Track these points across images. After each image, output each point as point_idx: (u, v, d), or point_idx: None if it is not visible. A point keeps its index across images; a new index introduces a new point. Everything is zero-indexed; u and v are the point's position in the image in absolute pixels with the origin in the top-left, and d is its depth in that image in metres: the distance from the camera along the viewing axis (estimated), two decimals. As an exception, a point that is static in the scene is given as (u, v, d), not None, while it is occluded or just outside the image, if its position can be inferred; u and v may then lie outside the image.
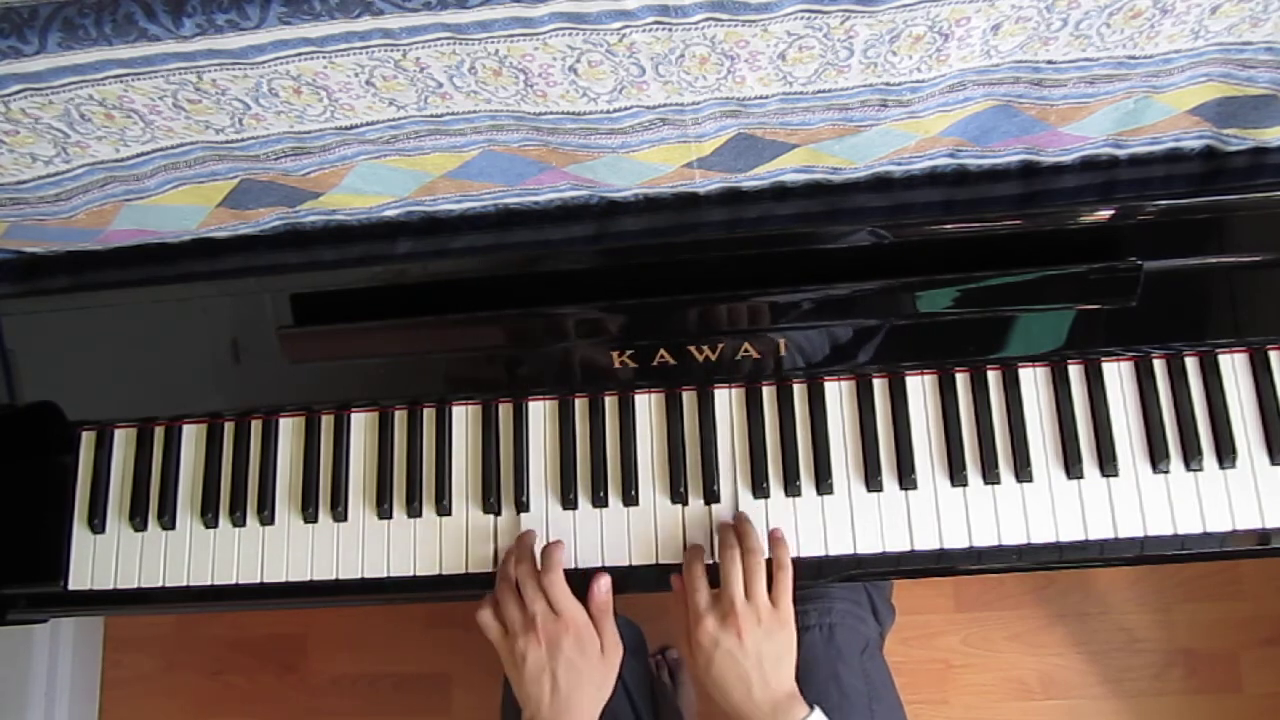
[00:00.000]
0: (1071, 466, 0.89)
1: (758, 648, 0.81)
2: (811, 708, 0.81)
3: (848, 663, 0.99)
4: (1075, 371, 0.92)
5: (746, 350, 0.89)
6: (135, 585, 0.96)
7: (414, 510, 0.94)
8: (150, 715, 1.70)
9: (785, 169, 0.85)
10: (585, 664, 0.82)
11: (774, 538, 0.88)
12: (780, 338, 0.89)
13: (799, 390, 0.93)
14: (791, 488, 0.91)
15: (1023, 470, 0.89)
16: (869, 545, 0.90)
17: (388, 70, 0.66)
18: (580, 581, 0.87)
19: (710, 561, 0.89)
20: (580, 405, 0.95)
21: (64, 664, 1.61)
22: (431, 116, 0.73)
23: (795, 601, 0.86)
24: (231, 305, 0.94)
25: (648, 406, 0.95)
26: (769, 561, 0.86)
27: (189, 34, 0.60)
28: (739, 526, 0.88)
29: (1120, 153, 0.86)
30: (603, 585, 0.87)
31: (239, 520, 0.96)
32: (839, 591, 1.06)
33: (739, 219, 0.88)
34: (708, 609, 0.83)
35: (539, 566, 0.86)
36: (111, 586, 0.96)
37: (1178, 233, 0.86)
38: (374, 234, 0.92)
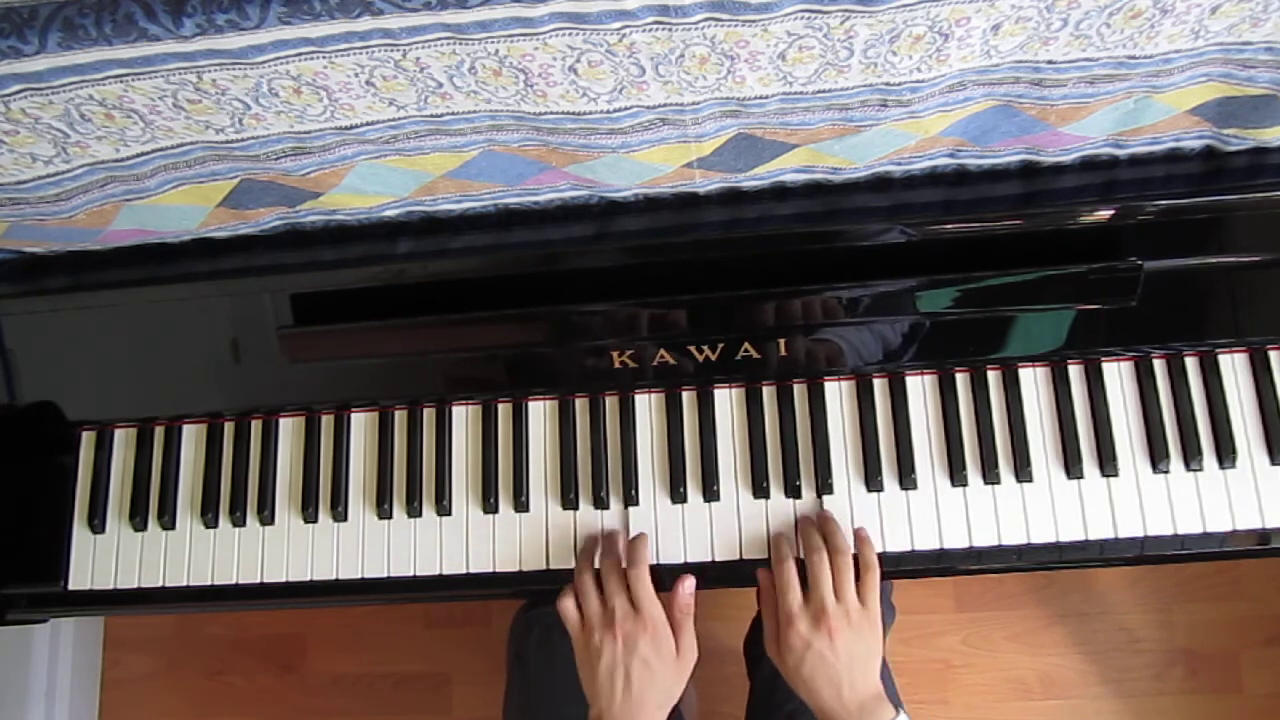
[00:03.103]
0: (1071, 466, 0.89)
1: (849, 649, 0.81)
2: (897, 709, 0.81)
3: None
4: (1075, 371, 0.91)
5: (746, 350, 0.89)
6: (135, 585, 0.96)
7: (414, 510, 0.94)
8: (150, 715, 1.70)
9: (785, 169, 0.85)
10: (660, 665, 0.83)
11: (859, 536, 0.88)
12: (780, 338, 0.89)
13: (799, 390, 0.93)
14: (791, 488, 0.91)
15: (1023, 470, 0.89)
16: (869, 545, 0.90)
17: (388, 70, 0.66)
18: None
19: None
20: (580, 405, 0.95)
21: (64, 664, 1.61)
22: (431, 116, 0.73)
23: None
24: (231, 305, 0.94)
25: (648, 406, 0.95)
26: (855, 560, 0.86)
27: (189, 34, 0.60)
28: (825, 525, 0.88)
29: (1120, 153, 0.86)
30: (687, 587, 0.87)
31: (239, 520, 0.96)
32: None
33: (739, 219, 0.88)
34: (800, 611, 0.83)
35: (624, 561, 0.87)
36: (111, 586, 0.96)
37: (1178, 233, 0.86)
38: (374, 234, 0.92)
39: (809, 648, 0.81)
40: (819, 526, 0.88)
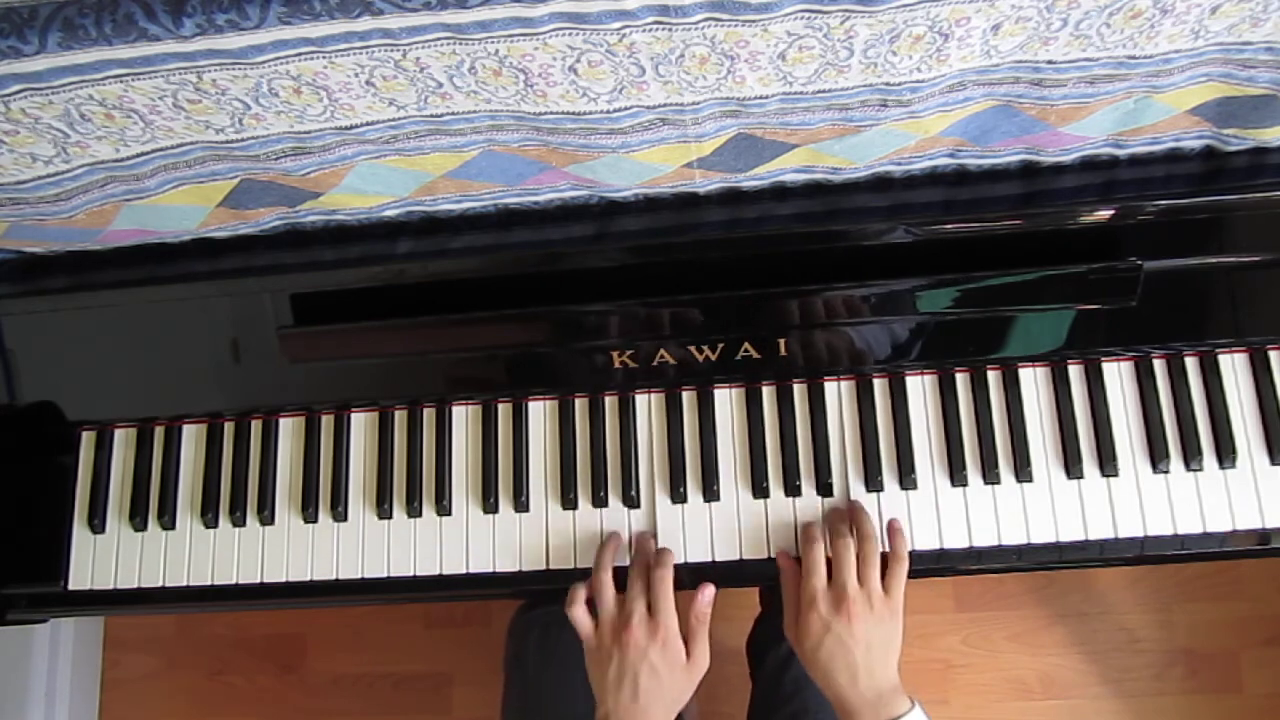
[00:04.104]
0: (1071, 466, 0.89)
1: (867, 635, 0.81)
2: (912, 704, 0.80)
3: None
4: (1075, 371, 0.91)
5: (746, 350, 0.89)
6: (135, 585, 0.96)
7: (414, 510, 0.94)
8: (150, 715, 1.70)
9: (785, 169, 0.85)
10: (667, 673, 0.83)
11: (892, 528, 0.88)
12: (780, 338, 0.89)
13: (799, 390, 0.93)
14: (791, 488, 0.91)
15: (1023, 470, 0.89)
16: (869, 545, 0.90)
17: (388, 70, 0.66)
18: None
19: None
20: (580, 405, 0.95)
21: (64, 664, 1.61)
22: (431, 116, 0.73)
23: None
24: (231, 305, 0.94)
25: (648, 406, 0.94)
26: (884, 554, 0.86)
27: (189, 34, 0.60)
28: (855, 514, 0.88)
29: (1120, 153, 0.86)
30: (707, 596, 0.86)
31: (239, 520, 0.96)
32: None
33: (739, 219, 0.88)
34: (822, 593, 0.82)
35: (652, 563, 0.87)
36: (111, 586, 0.96)
37: (1178, 233, 0.86)
38: (374, 234, 0.92)
39: (828, 631, 0.81)
40: (848, 513, 0.88)
